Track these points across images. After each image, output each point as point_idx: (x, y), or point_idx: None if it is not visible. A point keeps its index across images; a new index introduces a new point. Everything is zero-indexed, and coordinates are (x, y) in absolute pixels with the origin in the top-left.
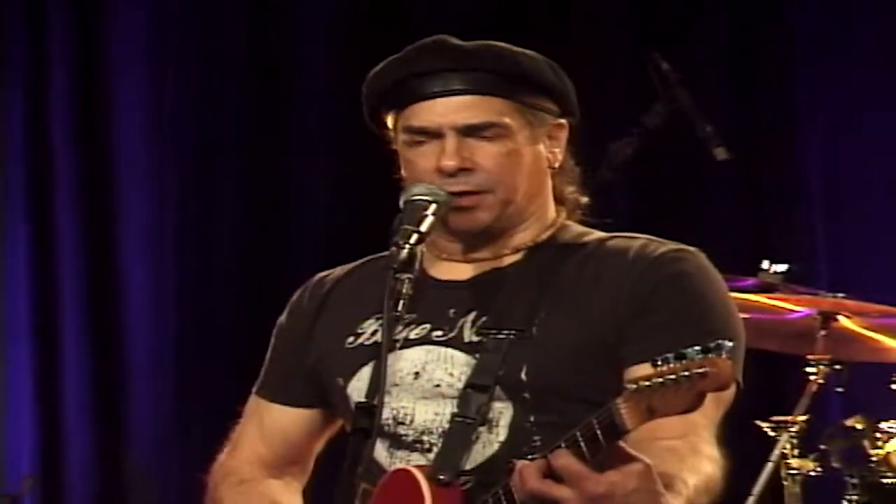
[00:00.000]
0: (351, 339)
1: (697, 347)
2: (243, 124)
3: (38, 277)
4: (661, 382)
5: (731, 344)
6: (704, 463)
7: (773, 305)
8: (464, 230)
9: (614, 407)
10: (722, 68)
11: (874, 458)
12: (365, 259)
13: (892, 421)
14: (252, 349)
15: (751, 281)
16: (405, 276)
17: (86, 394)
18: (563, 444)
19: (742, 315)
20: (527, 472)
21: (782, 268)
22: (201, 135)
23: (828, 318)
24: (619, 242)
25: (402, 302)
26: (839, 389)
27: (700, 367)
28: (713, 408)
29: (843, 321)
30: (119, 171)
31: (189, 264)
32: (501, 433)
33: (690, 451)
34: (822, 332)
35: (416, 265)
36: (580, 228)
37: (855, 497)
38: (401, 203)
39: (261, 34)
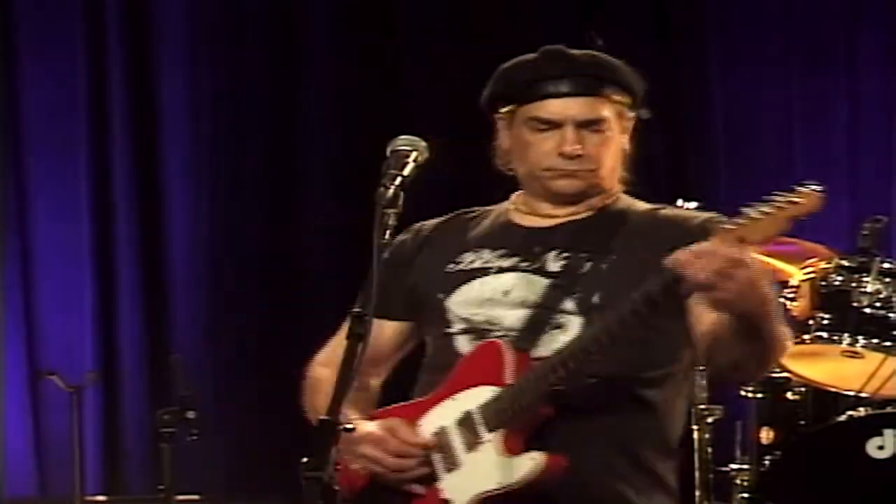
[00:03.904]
0: (451, 265)
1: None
2: (266, 77)
3: (96, 207)
4: (752, 217)
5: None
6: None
7: None
8: (564, 192)
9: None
10: (646, 41)
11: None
12: (455, 213)
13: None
14: (276, 263)
15: None
16: (391, 210)
17: (137, 301)
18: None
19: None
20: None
21: (693, 205)
22: (232, 88)
23: None
24: (669, 211)
25: (387, 232)
26: None
27: (797, 196)
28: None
29: None
30: (164, 116)
31: (221, 197)
32: (569, 335)
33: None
34: None
35: (398, 209)
36: (631, 198)
37: (751, 388)
38: (387, 151)
39: None
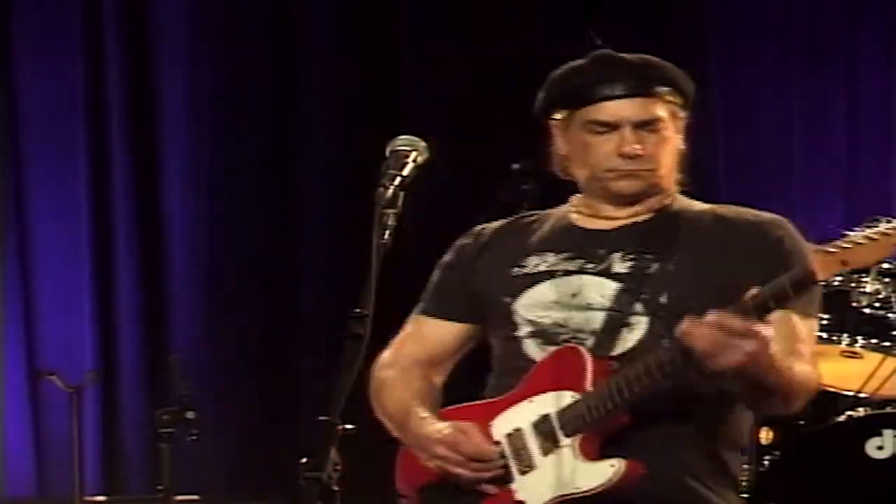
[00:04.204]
0: (516, 269)
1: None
2: (265, 77)
3: (95, 207)
4: (857, 242)
5: None
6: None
7: None
8: (626, 193)
9: (807, 265)
10: (646, 41)
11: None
12: (514, 217)
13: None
14: (276, 263)
15: None
16: (390, 211)
17: (136, 301)
18: (749, 300)
19: None
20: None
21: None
22: (232, 88)
23: None
24: (730, 210)
25: (387, 232)
26: None
27: None
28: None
29: None
30: (163, 116)
31: (221, 197)
32: (638, 334)
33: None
34: None
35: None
36: (687, 199)
37: None
38: (387, 152)
39: None
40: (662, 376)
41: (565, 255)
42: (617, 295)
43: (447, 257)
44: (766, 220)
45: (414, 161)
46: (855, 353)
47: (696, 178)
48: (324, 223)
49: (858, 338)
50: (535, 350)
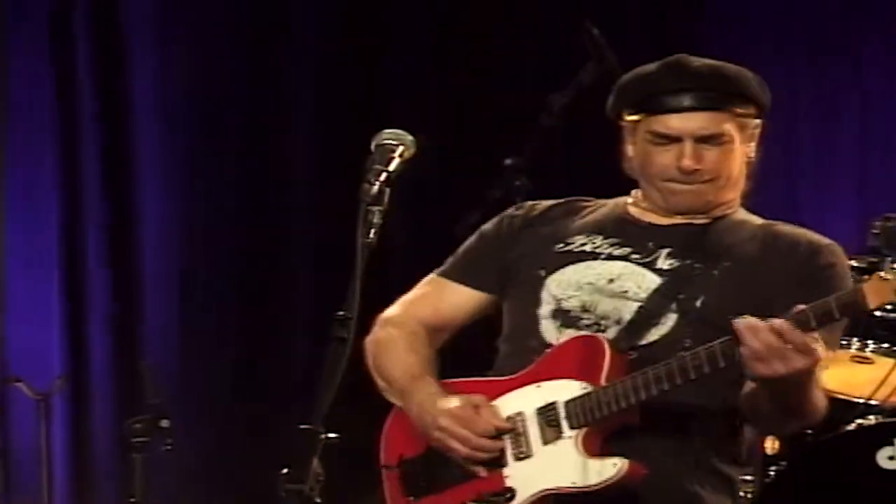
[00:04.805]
0: (560, 245)
1: None
2: (243, 75)
3: (65, 209)
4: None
5: None
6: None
7: None
8: (678, 211)
9: (858, 289)
10: (644, 34)
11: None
12: (570, 198)
13: None
14: (252, 267)
15: None
16: (376, 208)
17: (106, 305)
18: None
19: None
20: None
21: None
22: (206, 87)
23: None
24: (786, 228)
25: (372, 231)
26: None
27: None
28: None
29: None
30: (135, 118)
31: (197, 198)
32: (663, 330)
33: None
34: None
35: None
36: (747, 213)
37: None
38: (372, 146)
39: None
40: (684, 381)
41: (614, 240)
42: (655, 289)
43: (488, 225)
44: (821, 245)
45: (400, 156)
46: (866, 358)
47: None
48: (305, 223)
49: (869, 342)
50: (551, 331)
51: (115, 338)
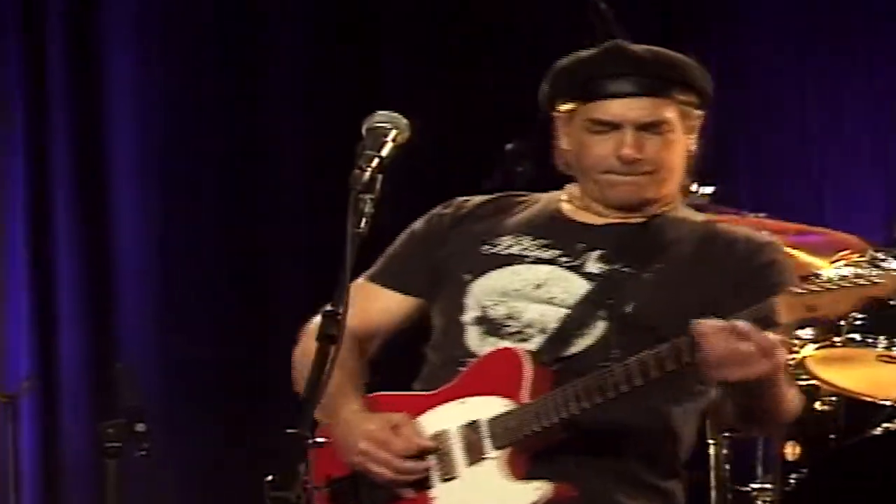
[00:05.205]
0: (486, 247)
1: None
2: (226, 55)
3: (33, 199)
4: (827, 287)
5: None
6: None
7: None
8: (617, 205)
9: (769, 304)
10: (654, 6)
11: (791, 363)
12: (502, 193)
13: (807, 328)
14: (235, 263)
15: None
16: (367, 196)
17: (79, 303)
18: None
19: None
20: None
21: (710, 189)
22: (184, 73)
23: None
24: (724, 227)
25: (363, 220)
26: None
27: (877, 277)
28: None
29: None
30: (109, 102)
31: (176, 187)
32: (590, 339)
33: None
34: None
35: (377, 186)
36: (687, 209)
37: None
38: (363, 130)
39: None
40: (616, 395)
41: (542, 242)
42: (583, 295)
43: (418, 224)
44: (760, 243)
45: (394, 140)
46: (893, 357)
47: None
48: (292, 212)
49: None
50: (476, 340)
51: (88, 336)
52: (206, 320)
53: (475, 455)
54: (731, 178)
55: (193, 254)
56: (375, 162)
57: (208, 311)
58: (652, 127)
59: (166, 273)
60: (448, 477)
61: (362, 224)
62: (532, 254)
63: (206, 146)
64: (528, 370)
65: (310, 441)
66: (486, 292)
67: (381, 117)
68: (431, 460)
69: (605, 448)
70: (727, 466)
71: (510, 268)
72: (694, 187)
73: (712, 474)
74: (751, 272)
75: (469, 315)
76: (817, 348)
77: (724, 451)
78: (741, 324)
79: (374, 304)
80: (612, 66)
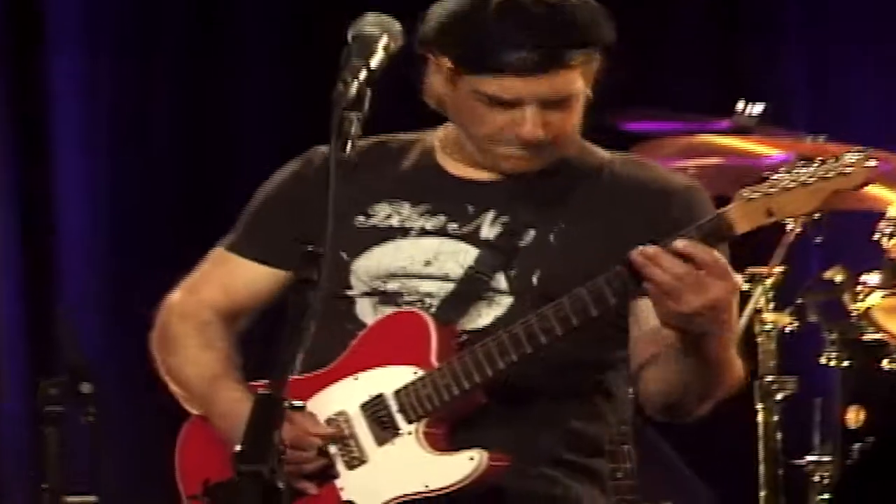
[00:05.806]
0: (362, 218)
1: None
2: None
3: None
4: (785, 187)
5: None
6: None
7: (748, 150)
8: (516, 172)
9: (718, 216)
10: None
11: (854, 313)
12: (376, 138)
13: (874, 273)
14: (187, 242)
15: (724, 123)
16: (353, 114)
17: (16, 249)
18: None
19: (714, 160)
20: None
21: (759, 108)
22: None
23: None
24: (631, 169)
25: (349, 143)
26: (818, 240)
27: (847, 167)
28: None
29: None
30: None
31: (126, 154)
32: (498, 311)
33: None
34: None
35: (366, 105)
36: (588, 145)
37: (834, 354)
38: (349, 36)
39: None
40: (534, 349)
41: (424, 207)
42: (479, 267)
43: (275, 183)
44: (677, 188)
45: (385, 49)
46: None
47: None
48: (261, 168)
49: None
50: (369, 312)
51: (25, 281)
52: (162, 267)
53: (385, 433)
54: (785, 96)
55: (146, 210)
56: (363, 74)
57: (163, 258)
58: (556, 103)
59: (117, 225)
60: (356, 463)
61: (348, 147)
62: (415, 224)
63: (159, 114)
64: (433, 329)
65: (286, 404)
66: (370, 273)
67: (372, 20)
68: (332, 447)
69: (533, 411)
70: (779, 436)
71: (392, 243)
72: (740, 105)
73: (760, 444)
74: (667, 224)
75: (357, 290)
76: (885, 296)
77: (775, 418)
78: (685, 243)
79: (238, 277)
80: (512, 33)
